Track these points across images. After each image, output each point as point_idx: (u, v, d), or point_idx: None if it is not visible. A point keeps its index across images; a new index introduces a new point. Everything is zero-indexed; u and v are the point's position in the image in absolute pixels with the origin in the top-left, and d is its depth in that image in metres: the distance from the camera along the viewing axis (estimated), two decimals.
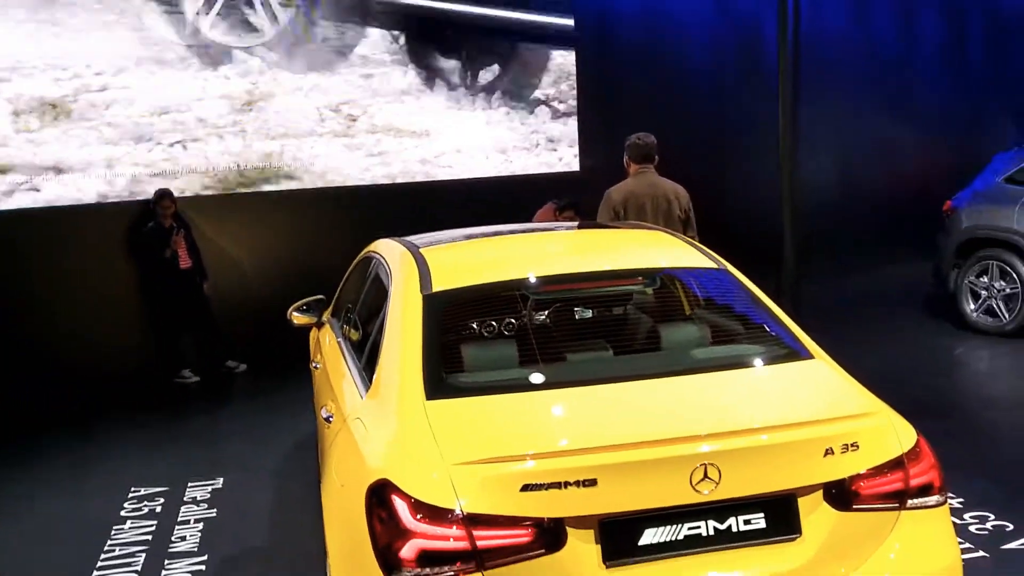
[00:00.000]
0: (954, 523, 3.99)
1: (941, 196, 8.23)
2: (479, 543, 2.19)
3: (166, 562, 4.30)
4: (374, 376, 2.92)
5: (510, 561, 2.21)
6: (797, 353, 2.90)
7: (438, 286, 3.09)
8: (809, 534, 2.38)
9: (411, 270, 3.26)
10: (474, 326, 3.26)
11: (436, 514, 2.20)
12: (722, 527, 2.34)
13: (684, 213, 5.57)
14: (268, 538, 4.52)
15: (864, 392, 2.71)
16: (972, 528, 4.07)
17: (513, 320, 3.21)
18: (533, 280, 3.25)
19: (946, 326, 7.84)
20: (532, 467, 2.25)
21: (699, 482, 2.29)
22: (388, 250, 3.76)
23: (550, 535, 2.23)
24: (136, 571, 4.22)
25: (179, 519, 4.80)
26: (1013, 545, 3.90)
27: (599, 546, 2.27)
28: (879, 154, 10.72)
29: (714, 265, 3.36)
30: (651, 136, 5.68)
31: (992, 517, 4.15)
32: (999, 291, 7.37)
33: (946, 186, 8.54)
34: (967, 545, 3.90)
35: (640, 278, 3.50)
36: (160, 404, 7.25)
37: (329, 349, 4.14)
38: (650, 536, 2.30)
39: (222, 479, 5.37)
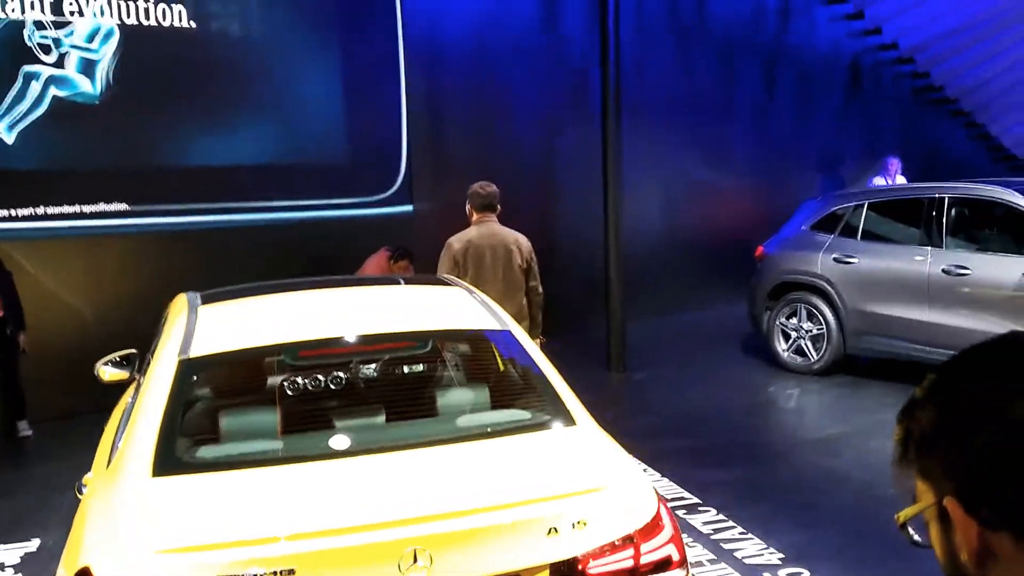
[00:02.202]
0: None
1: (757, 240, 8.71)
2: None
3: None
4: (117, 447, 2.80)
5: None
6: (561, 420, 2.90)
7: (198, 350, 2.99)
8: None
9: (177, 331, 3.15)
10: (232, 394, 3.18)
11: None
12: None
13: (526, 262, 5.61)
14: None
15: (616, 462, 2.69)
16: None
17: (274, 387, 3.14)
18: (303, 344, 3.19)
19: (761, 365, 8.25)
20: (229, 557, 2.18)
21: (408, 567, 2.23)
22: (174, 306, 3.65)
23: None
24: None
25: None
26: None
27: None
28: (699, 200, 11.25)
29: (496, 327, 3.35)
30: (492, 185, 5.70)
31: (806, 574, 4.22)
32: (807, 332, 7.83)
33: (761, 231, 9.05)
34: None
35: (414, 342, 3.46)
36: None
37: (116, 412, 3.95)
38: None
39: (38, 541, 5.00)
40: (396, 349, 3.45)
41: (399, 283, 4.64)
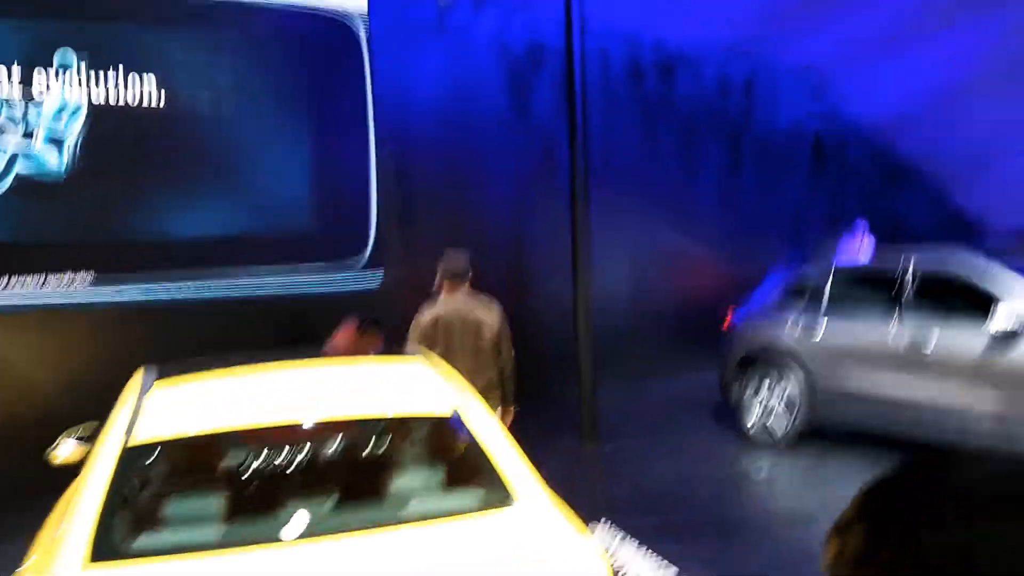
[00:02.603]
0: None
1: (726, 309, 8.77)
2: None
3: None
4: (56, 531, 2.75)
5: None
6: (508, 503, 2.85)
7: (144, 434, 2.97)
8: None
9: (126, 412, 3.14)
10: (176, 478, 3.13)
11: None
12: None
13: (497, 333, 5.56)
14: None
15: (565, 547, 2.62)
16: None
17: (219, 472, 3.12)
18: (249, 429, 3.16)
19: (731, 436, 8.23)
20: None
21: None
22: (129, 384, 3.61)
23: None
24: None
25: None
26: None
27: None
28: (669, 269, 11.35)
29: (447, 407, 3.30)
30: (463, 254, 5.67)
31: None
32: (776, 403, 7.84)
33: (730, 300, 9.12)
34: None
35: (362, 425, 3.41)
36: None
37: (63, 497, 3.89)
38: None
39: None
40: (343, 433, 3.40)
41: (357, 361, 4.62)
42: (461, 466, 3.17)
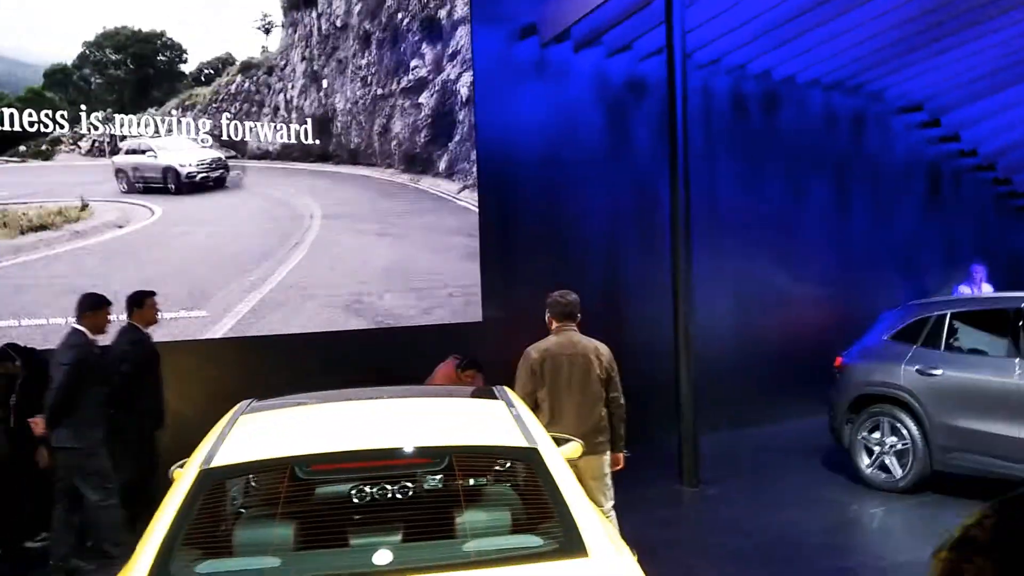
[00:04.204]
0: None
1: (836, 349, 8.45)
2: None
3: None
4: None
5: None
6: (574, 549, 2.74)
7: (220, 459, 3.00)
8: None
9: (210, 440, 3.19)
10: (251, 503, 3.18)
11: None
12: None
13: (606, 373, 5.42)
14: None
15: None
16: None
17: (288, 500, 3.12)
18: (321, 456, 3.18)
19: (842, 481, 7.89)
20: None
21: None
22: (224, 416, 3.69)
23: None
24: None
25: None
26: None
27: None
28: (774, 309, 11.03)
29: (523, 444, 3.20)
30: (572, 294, 5.59)
31: None
32: (891, 447, 7.49)
33: (840, 340, 8.80)
34: None
35: (433, 458, 3.32)
36: None
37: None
38: None
39: None
40: (416, 465, 3.33)
41: (442, 395, 4.64)
42: (533, 508, 3.08)
